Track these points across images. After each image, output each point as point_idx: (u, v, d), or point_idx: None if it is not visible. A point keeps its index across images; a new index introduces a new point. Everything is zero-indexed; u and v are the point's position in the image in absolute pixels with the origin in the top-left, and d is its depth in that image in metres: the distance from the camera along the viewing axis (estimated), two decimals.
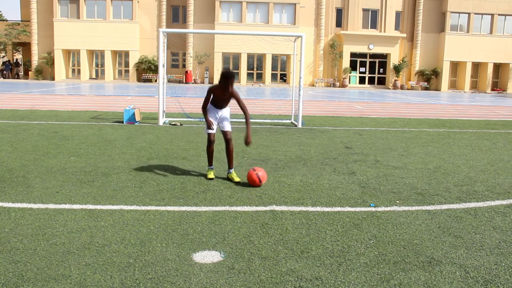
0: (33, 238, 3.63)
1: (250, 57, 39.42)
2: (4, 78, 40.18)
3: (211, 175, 5.77)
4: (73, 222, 4.01)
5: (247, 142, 5.46)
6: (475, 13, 41.01)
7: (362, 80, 42.68)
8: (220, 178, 5.76)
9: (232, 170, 5.77)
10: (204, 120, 5.99)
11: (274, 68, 40.30)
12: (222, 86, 5.50)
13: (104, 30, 37.80)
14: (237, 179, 5.63)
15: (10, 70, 41.36)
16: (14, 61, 44.24)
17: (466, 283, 3.06)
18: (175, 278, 3.03)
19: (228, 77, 5.42)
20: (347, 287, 2.97)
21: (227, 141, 5.74)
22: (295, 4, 39.07)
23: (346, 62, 40.71)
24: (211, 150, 5.83)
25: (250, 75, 40.00)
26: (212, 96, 5.72)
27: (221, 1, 38.52)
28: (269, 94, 26.51)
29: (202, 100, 5.96)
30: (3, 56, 48.77)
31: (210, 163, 5.87)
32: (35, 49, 38.96)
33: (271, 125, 11.65)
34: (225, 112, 5.85)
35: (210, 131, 5.72)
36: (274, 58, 39.63)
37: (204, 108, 5.76)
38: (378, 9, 41.07)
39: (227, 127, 5.80)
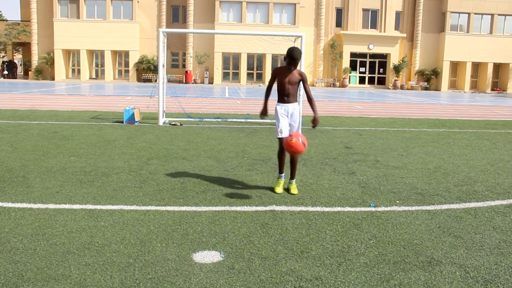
0: (33, 238, 3.63)
1: (250, 57, 39.41)
2: (4, 78, 40.17)
3: (279, 188, 5.23)
4: (73, 222, 4.01)
5: (315, 122, 5.10)
6: (475, 13, 41.01)
7: (362, 80, 42.68)
8: (220, 178, 5.76)
9: (293, 181, 5.26)
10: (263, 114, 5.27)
11: (274, 68, 40.25)
12: (287, 66, 5.03)
13: (104, 30, 37.80)
14: (294, 191, 5.17)
15: (11, 70, 41.39)
16: (6, 62, 44.14)
17: (466, 283, 3.06)
18: (175, 278, 3.03)
19: (293, 56, 4.88)
20: (347, 287, 2.97)
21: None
22: (295, 4, 39.06)
23: (346, 62, 40.71)
24: (283, 158, 5.26)
25: (250, 75, 40.00)
26: (276, 80, 5.18)
27: (221, 1, 38.52)
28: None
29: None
30: (3, 56, 48.77)
31: (280, 169, 5.30)
32: (35, 49, 38.95)
33: (271, 125, 11.64)
34: (294, 109, 5.20)
35: (280, 135, 5.13)
36: (274, 58, 39.60)
37: (267, 93, 5.27)
38: (378, 9, 41.06)
39: (294, 130, 5.19)
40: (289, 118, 5.18)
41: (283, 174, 5.28)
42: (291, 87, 5.10)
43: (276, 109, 5.20)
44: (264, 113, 5.27)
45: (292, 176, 5.26)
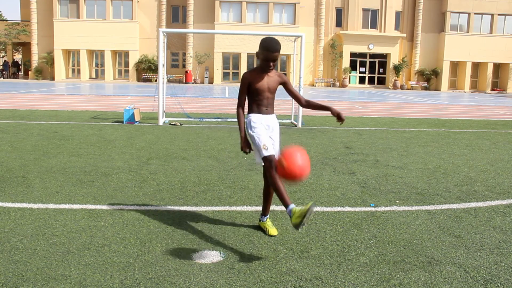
0: (33, 238, 3.63)
1: (250, 57, 39.40)
2: (4, 78, 40.19)
3: (271, 230, 3.90)
4: (73, 222, 4.01)
5: (339, 118, 3.67)
6: (475, 13, 41.01)
7: (362, 80, 42.68)
8: (220, 178, 5.76)
9: (266, 218, 4.00)
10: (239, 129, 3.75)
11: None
12: (261, 68, 3.70)
13: (104, 30, 37.80)
14: (273, 231, 3.88)
15: (15, 69, 41.52)
16: (4, 62, 44.29)
17: (466, 283, 3.06)
18: (175, 278, 3.03)
19: (271, 48, 3.55)
20: (347, 287, 2.97)
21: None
22: (295, 4, 39.07)
23: (346, 62, 40.71)
24: (278, 185, 3.51)
25: None
26: (250, 87, 3.72)
27: (221, 1, 38.52)
28: None
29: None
30: (3, 56, 48.79)
31: (284, 202, 3.46)
32: (35, 49, 38.95)
33: None
34: (275, 123, 3.85)
35: (267, 153, 3.56)
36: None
37: (239, 110, 3.76)
38: (378, 9, 41.07)
39: (275, 148, 3.75)
40: (269, 128, 3.77)
41: (291, 207, 3.40)
42: (271, 96, 3.78)
43: (249, 121, 3.73)
44: (246, 145, 3.70)
45: (264, 212, 3.99)
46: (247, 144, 3.70)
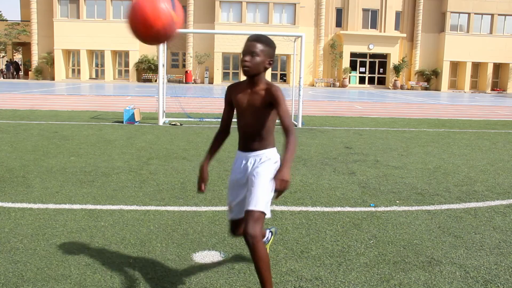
0: (33, 238, 3.63)
1: None
2: (4, 78, 40.20)
3: None
4: (73, 222, 4.01)
5: (278, 182, 2.32)
6: (475, 13, 41.01)
7: (362, 80, 42.68)
8: (220, 178, 5.76)
9: None
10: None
11: (274, 68, 40.27)
12: (248, 79, 2.59)
13: (104, 30, 37.80)
14: None
15: (15, 70, 41.55)
16: (13, 62, 44.37)
17: (466, 283, 3.06)
18: (175, 278, 3.03)
19: (249, 38, 2.55)
20: (347, 287, 2.97)
21: (250, 236, 2.41)
22: (295, 4, 39.07)
23: (346, 62, 40.72)
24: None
25: None
26: (233, 106, 2.68)
27: (221, 1, 38.52)
28: None
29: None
30: (3, 56, 48.80)
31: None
32: (35, 49, 38.96)
33: None
34: (261, 163, 2.61)
35: (228, 215, 2.80)
36: (274, 58, 39.58)
37: (215, 138, 2.78)
38: (378, 9, 41.07)
39: (254, 201, 2.49)
40: (248, 178, 2.61)
41: None
42: (254, 119, 2.57)
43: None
44: (200, 181, 2.73)
45: None
46: (201, 179, 2.74)
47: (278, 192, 2.36)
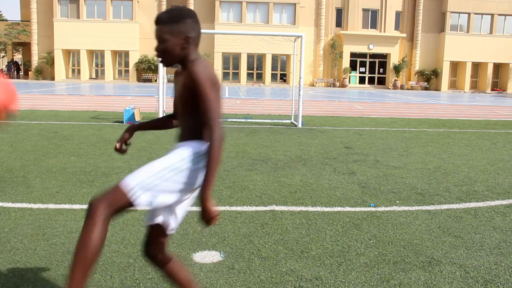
0: (33, 238, 3.63)
1: (250, 57, 39.42)
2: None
3: None
4: (73, 222, 4.01)
5: (205, 216, 2.12)
6: (475, 13, 41.03)
7: (362, 80, 42.69)
8: (220, 178, 5.76)
9: None
10: None
11: (274, 68, 40.31)
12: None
13: (104, 30, 37.81)
14: None
15: (16, 70, 41.57)
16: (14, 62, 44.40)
17: (466, 283, 3.06)
18: None
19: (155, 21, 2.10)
20: (347, 287, 2.97)
21: (89, 204, 1.96)
22: (295, 4, 39.08)
23: (346, 62, 40.73)
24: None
25: (250, 75, 40.00)
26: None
27: (221, 1, 38.53)
28: (269, 94, 26.51)
29: None
30: (3, 56, 48.80)
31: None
32: (35, 49, 38.96)
33: (271, 125, 11.64)
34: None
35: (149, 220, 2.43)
36: (274, 58, 39.61)
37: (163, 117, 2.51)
38: (378, 9, 41.08)
39: (164, 215, 2.42)
40: None
41: None
42: (182, 107, 2.17)
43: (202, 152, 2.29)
44: (119, 139, 2.43)
45: None
46: (121, 138, 2.42)
47: (207, 223, 2.06)
